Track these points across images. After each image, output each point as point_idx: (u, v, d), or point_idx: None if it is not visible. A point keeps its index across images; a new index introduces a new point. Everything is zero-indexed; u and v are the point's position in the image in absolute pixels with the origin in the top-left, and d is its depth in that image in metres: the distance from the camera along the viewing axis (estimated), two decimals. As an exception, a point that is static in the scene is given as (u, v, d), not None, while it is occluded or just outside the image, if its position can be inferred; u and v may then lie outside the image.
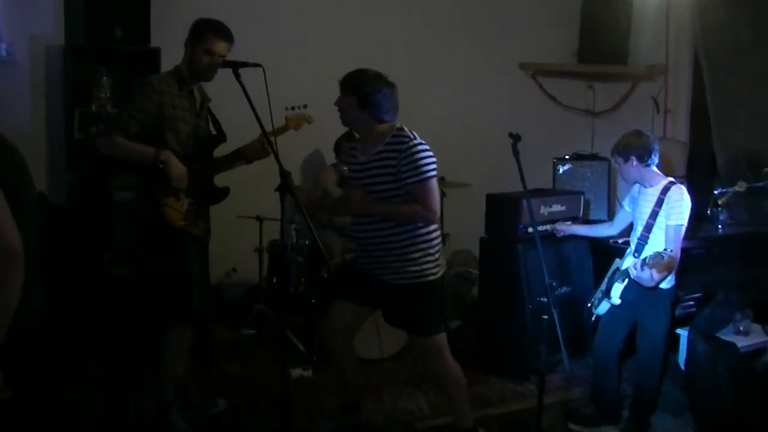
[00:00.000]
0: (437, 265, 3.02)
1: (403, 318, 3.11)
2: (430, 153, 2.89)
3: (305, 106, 3.48)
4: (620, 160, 3.40)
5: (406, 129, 2.92)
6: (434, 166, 2.88)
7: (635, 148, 3.34)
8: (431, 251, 2.99)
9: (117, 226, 4.13)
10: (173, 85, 3.09)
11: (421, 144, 2.89)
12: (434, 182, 2.88)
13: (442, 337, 3.08)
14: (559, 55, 6.03)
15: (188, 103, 3.16)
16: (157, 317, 3.33)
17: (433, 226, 2.99)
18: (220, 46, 3.08)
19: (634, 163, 3.34)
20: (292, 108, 3.18)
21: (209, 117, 3.35)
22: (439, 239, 3.05)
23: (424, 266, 2.97)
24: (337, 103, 3.02)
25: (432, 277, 2.99)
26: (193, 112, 3.20)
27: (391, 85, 2.96)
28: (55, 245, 3.81)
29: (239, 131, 3.32)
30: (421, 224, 2.94)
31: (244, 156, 3.31)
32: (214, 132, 3.37)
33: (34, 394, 2.01)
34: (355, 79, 2.93)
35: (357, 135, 3.16)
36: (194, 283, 3.23)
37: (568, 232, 4.04)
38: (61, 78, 4.30)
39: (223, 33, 3.10)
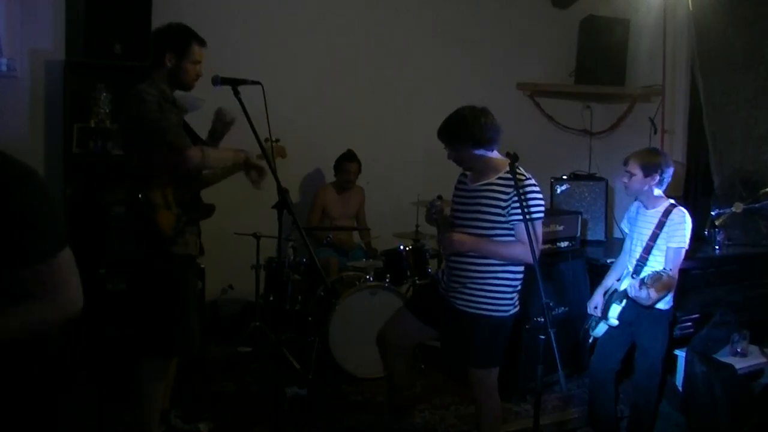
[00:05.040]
0: (509, 305, 2.99)
1: (457, 344, 3.07)
2: (540, 195, 2.92)
3: (278, 140, 3.39)
4: (639, 171, 3.31)
5: (521, 168, 2.92)
6: (542, 208, 2.90)
7: (662, 167, 3.29)
8: (508, 289, 2.97)
9: (113, 242, 4.12)
10: (160, 97, 2.94)
11: (534, 185, 2.90)
12: (539, 224, 2.90)
13: (492, 373, 3.06)
14: (557, 75, 6.07)
15: (174, 116, 3.03)
16: (137, 345, 3.14)
17: (521, 267, 2.99)
18: (201, 53, 3.04)
19: (656, 179, 3.30)
20: (265, 140, 3.11)
21: (187, 132, 3.20)
22: (521, 280, 3.02)
23: (496, 301, 2.95)
24: (451, 157, 3.04)
25: (499, 314, 2.96)
26: (179, 125, 3.07)
27: (487, 112, 2.98)
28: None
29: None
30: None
31: (225, 174, 3.26)
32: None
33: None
34: (461, 128, 2.94)
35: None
36: (185, 314, 3.05)
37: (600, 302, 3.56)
38: (60, 93, 4.31)
39: (203, 40, 3.04)
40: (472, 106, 2.99)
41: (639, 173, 3.31)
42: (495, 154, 2.98)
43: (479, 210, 2.95)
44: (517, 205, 2.82)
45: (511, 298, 2.99)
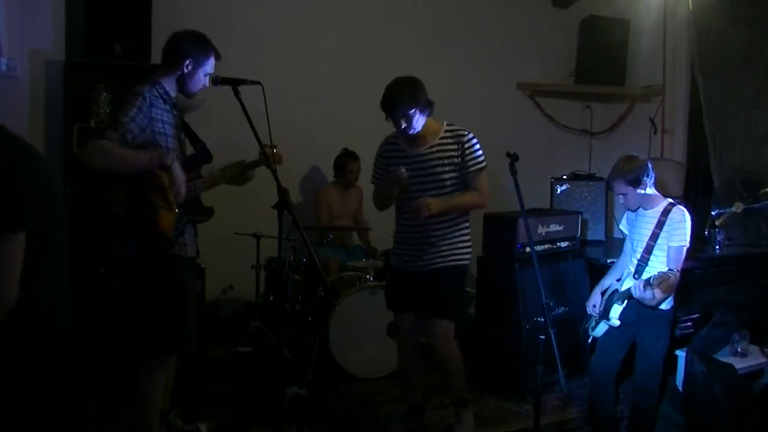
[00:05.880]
0: (470, 251, 3.31)
1: (435, 299, 3.24)
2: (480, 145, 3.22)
3: (275, 147, 3.37)
4: (629, 187, 3.24)
5: (455, 124, 3.23)
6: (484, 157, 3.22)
7: (643, 168, 3.24)
8: (466, 237, 3.29)
9: (113, 242, 4.11)
10: (158, 99, 2.94)
11: (474, 138, 3.19)
12: (484, 172, 3.20)
13: (453, 325, 3.31)
14: (557, 75, 6.07)
15: (171, 117, 3.02)
16: (134, 345, 3.16)
17: (468, 216, 3.29)
18: (213, 67, 3.06)
19: (647, 183, 3.24)
20: (264, 146, 3.10)
21: (187, 133, 3.25)
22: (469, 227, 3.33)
23: (463, 249, 3.27)
24: (407, 129, 3.12)
25: (466, 261, 3.29)
26: (176, 127, 3.08)
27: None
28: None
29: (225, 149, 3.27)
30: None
31: (225, 179, 3.25)
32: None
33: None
34: (418, 93, 3.10)
35: (404, 135, 3.23)
36: (182, 314, 3.04)
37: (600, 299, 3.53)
38: (60, 93, 4.31)
39: (219, 54, 3.06)
40: (402, 76, 3.16)
41: (629, 189, 3.25)
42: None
43: (436, 172, 3.16)
44: (469, 157, 3.15)
45: (471, 245, 3.31)
